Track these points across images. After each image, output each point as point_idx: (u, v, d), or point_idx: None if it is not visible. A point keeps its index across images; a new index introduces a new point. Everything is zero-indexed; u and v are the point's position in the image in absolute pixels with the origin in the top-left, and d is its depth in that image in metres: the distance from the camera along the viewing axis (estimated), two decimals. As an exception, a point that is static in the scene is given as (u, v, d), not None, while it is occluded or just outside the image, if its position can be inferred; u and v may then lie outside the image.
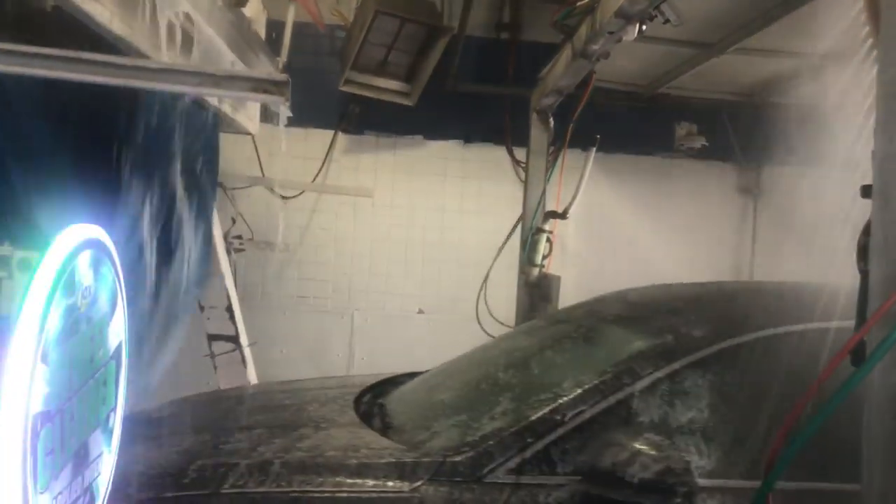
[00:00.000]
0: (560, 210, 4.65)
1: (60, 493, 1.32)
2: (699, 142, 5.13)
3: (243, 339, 3.91)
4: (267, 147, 5.10)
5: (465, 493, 2.03)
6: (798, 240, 5.44)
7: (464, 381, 2.78)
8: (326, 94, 5.10)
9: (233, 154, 5.05)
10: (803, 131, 5.28)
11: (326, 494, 2.03)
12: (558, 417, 2.14)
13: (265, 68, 3.37)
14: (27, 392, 1.19)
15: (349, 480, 2.05)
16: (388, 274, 5.30)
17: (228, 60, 2.78)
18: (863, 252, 1.33)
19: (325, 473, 2.08)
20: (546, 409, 2.18)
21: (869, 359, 1.25)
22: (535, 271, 4.90)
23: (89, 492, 1.47)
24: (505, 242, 5.26)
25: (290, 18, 3.39)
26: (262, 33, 3.85)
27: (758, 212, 5.39)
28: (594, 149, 4.40)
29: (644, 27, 3.01)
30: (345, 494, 2.03)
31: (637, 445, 1.98)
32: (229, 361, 3.88)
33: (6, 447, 1.16)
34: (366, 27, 4.44)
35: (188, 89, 1.53)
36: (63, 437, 1.33)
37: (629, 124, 5.25)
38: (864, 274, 1.32)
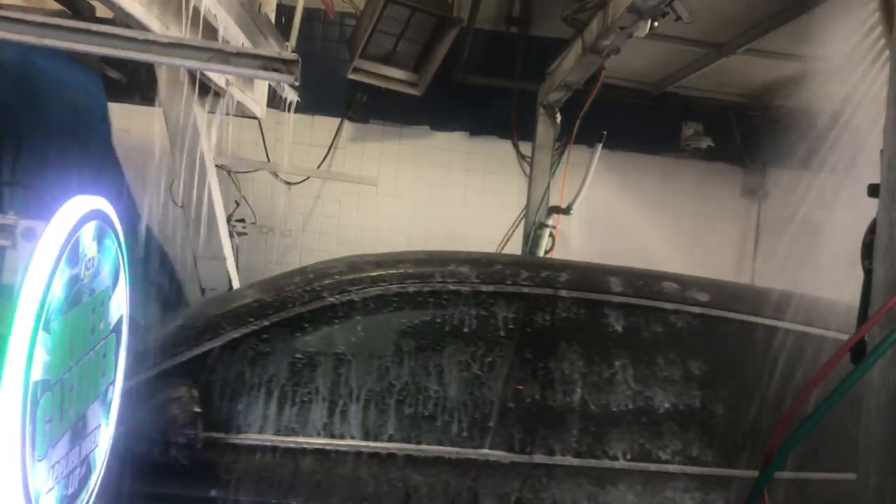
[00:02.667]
0: (564, 206, 4.65)
1: (58, 461, 1.33)
2: (705, 142, 5.12)
3: (243, 323, 3.90)
4: (273, 132, 5.09)
5: None
6: (801, 244, 5.43)
7: None
8: (334, 82, 5.10)
9: (239, 138, 5.05)
10: (810, 135, 5.27)
11: None
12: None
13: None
14: (29, 359, 1.19)
15: None
16: (389, 264, 5.30)
17: (238, 41, 2.77)
18: (867, 250, 1.33)
19: None
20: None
21: (869, 357, 1.25)
22: (537, 266, 4.90)
23: (86, 463, 1.48)
24: (507, 236, 5.26)
25: (300, 3, 3.37)
26: (273, 17, 3.84)
27: (762, 214, 5.38)
28: (600, 145, 4.39)
29: (656, 23, 3.01)
30: None
31: (166, 398, 2.00)
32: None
33: (6, 412, 1.16)
34: (376, 15, 4.43)
35: (198, 65, 1.53)
36: (62, 406, 1.34)
37: (636, 122, 5.24)
38: (868, 272, 1.32)
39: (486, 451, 2.16)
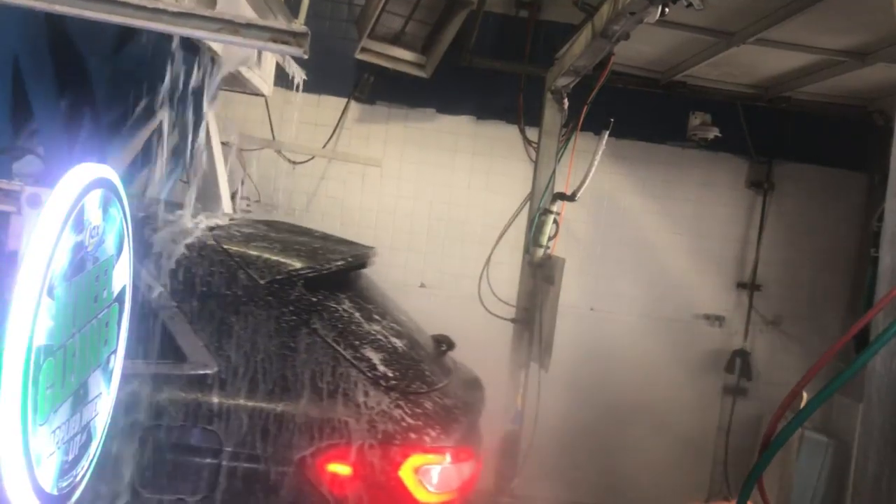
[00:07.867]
0: (569, 192, 4.64)
1: (59, 427, 1.33)
2: (712, 132, 5.08)
3: (245, 300, 3.90)
4: (279, 111, 5.08)
5: None
6: (805, 237, 5.44)
7: None
8: (341, 62, 5.08)
9: (245, 115, 5.04)
10: (818, 128, 5.25)
11: None
12: None
13: (282, 29, 3.33)
14: (32, 324, 1.19)
15: None
16: (392, 246, 5.29)
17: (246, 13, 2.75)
18: (875, 238, 1.32)
19: None
20: None
21: (872, 344, 1.25)
22: (540, 252, 4.91)
23: (87, 430, 1.48)
24: (511, 221, 5.26)
25: (310, -20, 3.35)
26: (281, -6, 3.81)
27: (767, 206, 5.36)
28: (607, 132, 4.38)
29: (667, 10, 2.99)
30: None
31: None
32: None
33: (9, 376, 1.17)
34: (385, -5, 4.40)
35: (207, 35, 1.52)
36: (64, 372, 1.34)
37: (643, 110, 5.21)
38: (874, 260, 1.32)
39: None
